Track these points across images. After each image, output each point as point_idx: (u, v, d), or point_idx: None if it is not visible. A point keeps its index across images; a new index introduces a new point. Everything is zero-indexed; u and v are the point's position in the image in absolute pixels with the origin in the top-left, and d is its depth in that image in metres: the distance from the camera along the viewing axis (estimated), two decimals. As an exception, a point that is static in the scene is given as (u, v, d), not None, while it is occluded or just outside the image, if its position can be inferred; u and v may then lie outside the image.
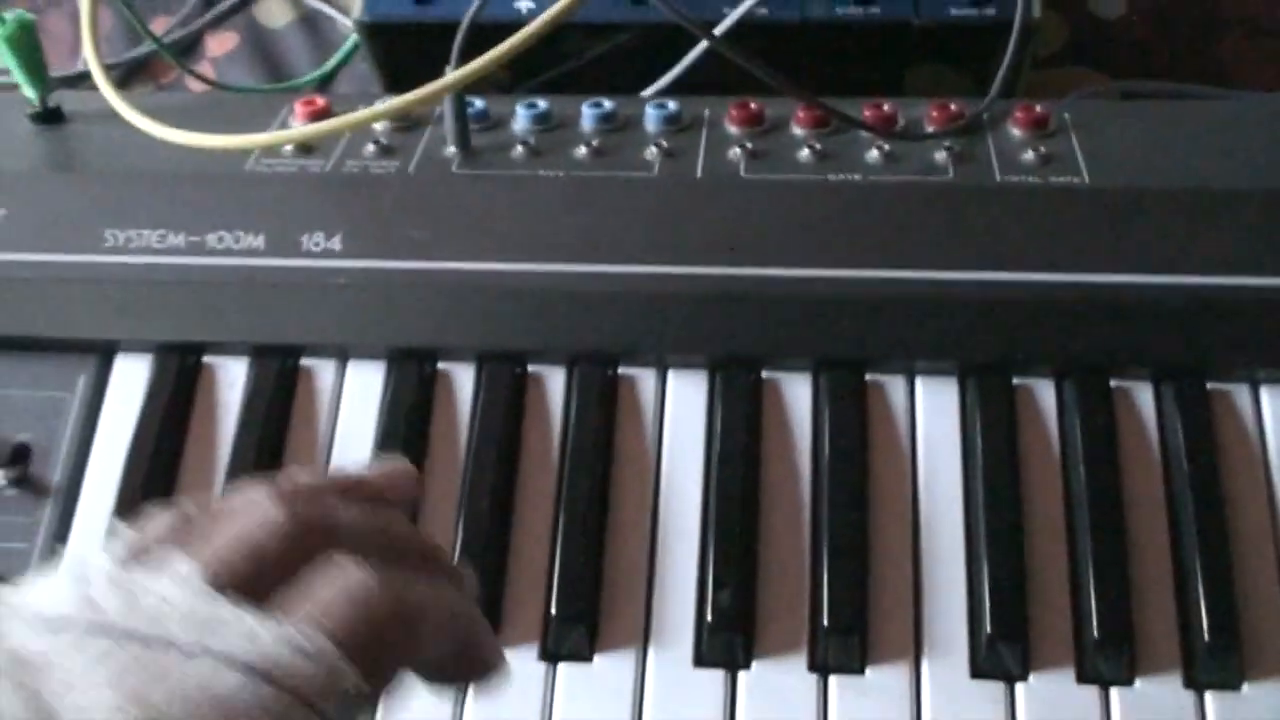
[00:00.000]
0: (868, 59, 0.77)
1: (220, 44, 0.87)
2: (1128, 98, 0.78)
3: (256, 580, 0.37)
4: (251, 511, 0.39)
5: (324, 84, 0.85)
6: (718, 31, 0.70)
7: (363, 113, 0.60)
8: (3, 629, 0.35)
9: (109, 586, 0.36)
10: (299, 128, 0.63)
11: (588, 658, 0.55)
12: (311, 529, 0.38)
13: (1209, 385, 0.59)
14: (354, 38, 0.84)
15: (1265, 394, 0.58)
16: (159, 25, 0.88)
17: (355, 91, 0.84)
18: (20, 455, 0.61)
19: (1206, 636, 0.53)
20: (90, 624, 0.34)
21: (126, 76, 0.86)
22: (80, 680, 0.33)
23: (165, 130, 0.61)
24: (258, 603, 0.36)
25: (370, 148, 0.66)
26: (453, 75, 0.58)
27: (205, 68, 0.86)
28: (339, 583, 0.37)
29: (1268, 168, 0.63)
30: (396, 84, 0.79)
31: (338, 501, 0.40)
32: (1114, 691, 0.53)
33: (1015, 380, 0.59)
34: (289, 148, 0.66)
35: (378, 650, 0.36)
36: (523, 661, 0.55)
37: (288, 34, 0.87)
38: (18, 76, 0.68)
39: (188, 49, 0.87)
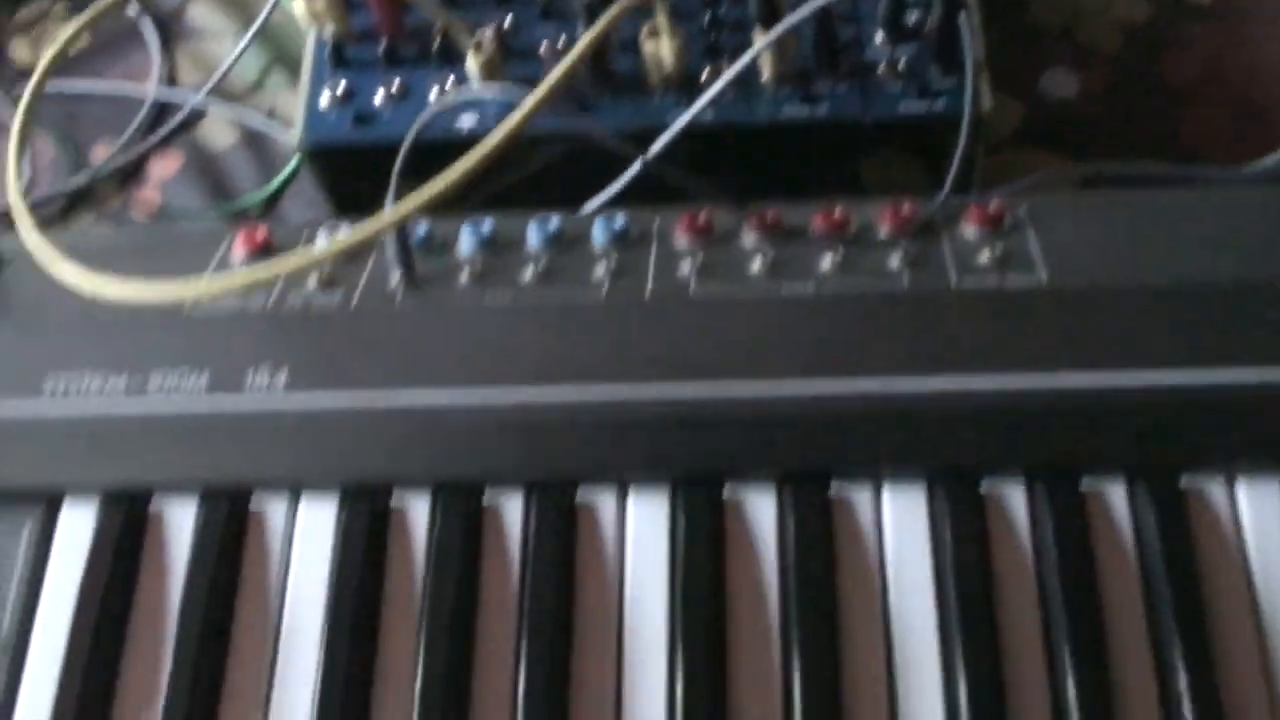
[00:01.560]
0: (820, 157, 0.76)
1: (164, 167, 0.86)
2: (1088, 183, 0.77)
3: None
4: None
5: (271, 202, 0.83)
6: (652, 152, 0.68)
7: (297, 259, 0.59)
8: None
9: None
10: (236, 274, 0.61)
11: (554, 790, 0.53)
12: None
13: (1183, 482, 0.57)
14: (295, 161, 0.83)
15: (1241, 489, 0.57)
16: (102, 151, 0.86)
17: (300, 219, 0.82)
18: (-36, 611, 0.59)
19: (1192, 749, 0.51)
20: None
21: (70, 205, 0.85)
22: None
23: (92, 280, 0.60)
24: None
25: (314, 279, 0.64)
26: (391, 213, 0.57)
27: (151, 192, 0.85)
28: None
29: (1231, 258, 0.61)
30: (342, 203, 0.78)
31: None
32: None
33: (985, 486, 0.58)
34: (231, 282, 0.65)
35: None
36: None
37: (232, 155, 0.86)
38: (-46, 219, 0.67)
39: (132, 173, 0.86)
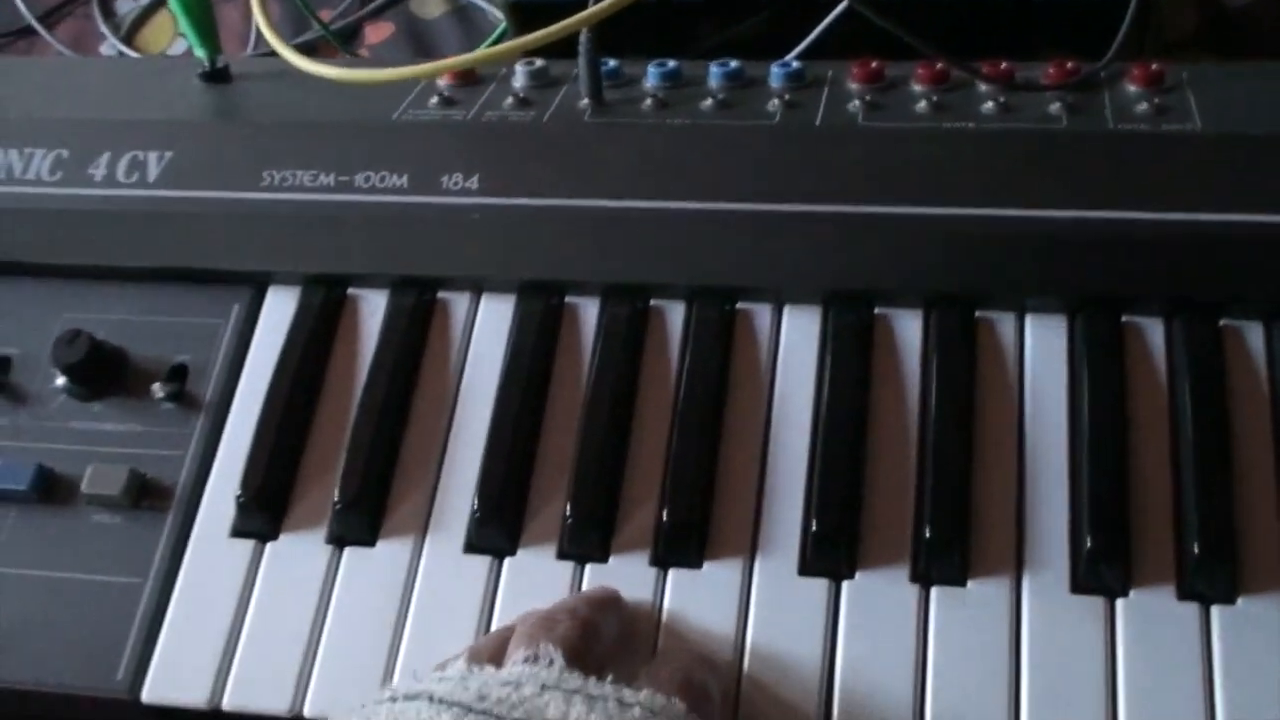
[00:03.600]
0: (993, 37, 0.79)
1: (377, 33, 0.93)
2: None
3: (593, 664, 0.51)
4: (566, 617, 0.53)
5: (473, 69, 0.89)
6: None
7: (495, 49, 0.64)
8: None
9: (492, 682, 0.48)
10: (437, 62, 0.66)
11: (697, 564, 0.58)
12: (597, 631, 0.53)
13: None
14: (502, 25, 0.88)
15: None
16: (325, 14, 0.93)
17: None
18: (178, 374, 0.65)
19: (1310, 557, 0.54)
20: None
21: (291, 62, 0.92)
22: None
23: (322, 68, 0.66)
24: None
25: (509, 100, 0.70)
26: (576, 17, 0.62)
27: (363, 52, 0.92)
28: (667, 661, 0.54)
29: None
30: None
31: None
32: (1214, 609, 0.54)
33: (1124, 318, 0.61)
34: (434, 100, 0.70)
35: (699, 707, 0.50)
36: (635, 567, 0.58)
37: (441, 24, 0.92)
38: (189, 37, 0.73)
39: (347, 38, 0.93)
